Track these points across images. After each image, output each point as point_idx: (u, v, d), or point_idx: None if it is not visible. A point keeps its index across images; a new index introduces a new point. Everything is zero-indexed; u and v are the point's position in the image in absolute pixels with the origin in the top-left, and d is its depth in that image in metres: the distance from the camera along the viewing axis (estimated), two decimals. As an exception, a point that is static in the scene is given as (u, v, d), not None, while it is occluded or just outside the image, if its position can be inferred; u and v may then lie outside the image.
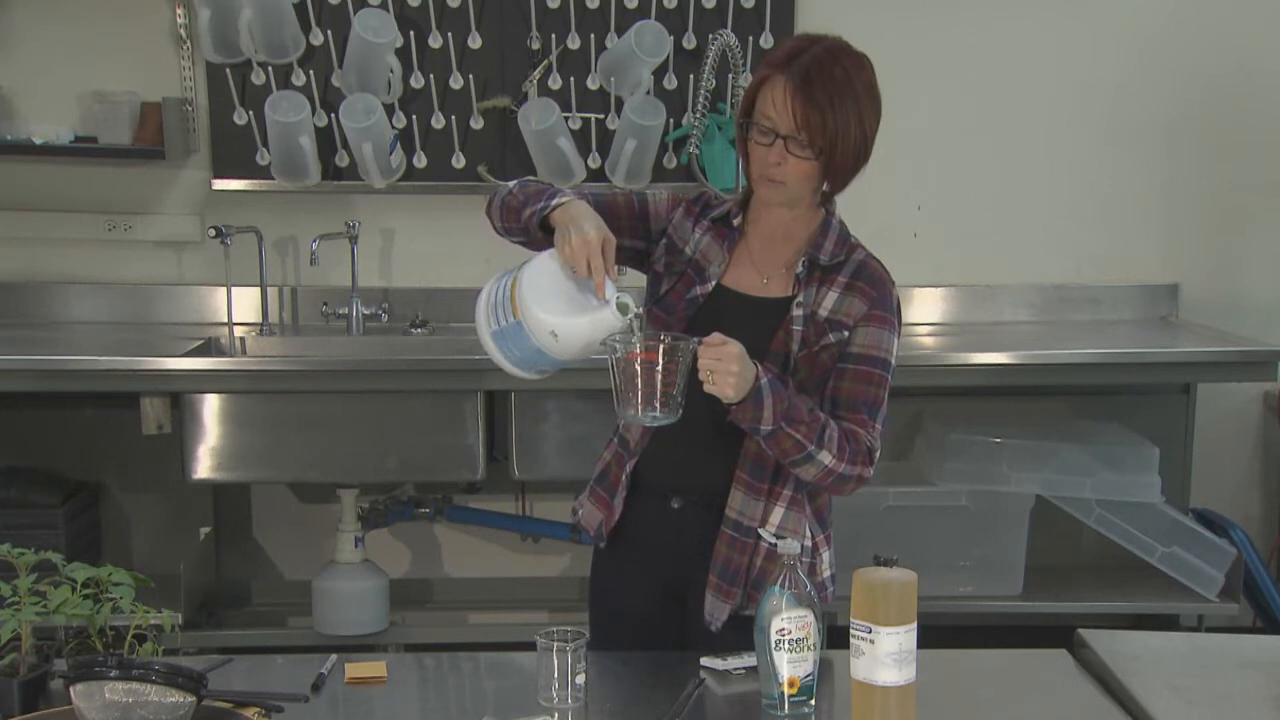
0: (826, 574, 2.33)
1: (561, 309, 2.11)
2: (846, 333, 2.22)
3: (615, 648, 2.32)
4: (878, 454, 2.22)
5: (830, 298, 2.23)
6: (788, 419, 2.11)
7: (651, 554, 2.34)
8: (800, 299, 2.23)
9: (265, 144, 4.05)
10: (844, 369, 2.23)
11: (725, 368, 2.04)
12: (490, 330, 2.16)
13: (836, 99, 2.13)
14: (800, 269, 2.24)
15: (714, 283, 2.28)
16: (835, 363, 2.23)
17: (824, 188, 2.24)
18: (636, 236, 2.33)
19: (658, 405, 2.05)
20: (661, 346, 2.04)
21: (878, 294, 2.24)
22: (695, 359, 2.05)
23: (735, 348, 2.06)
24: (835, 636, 2.10)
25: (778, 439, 2.12)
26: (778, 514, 2.26)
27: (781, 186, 2.19)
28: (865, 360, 2.22)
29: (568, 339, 2.10)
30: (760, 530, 2.22)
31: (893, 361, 2.25)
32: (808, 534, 2.28)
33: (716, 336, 2.07)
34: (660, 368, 2.03)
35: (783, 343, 2.22)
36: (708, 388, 2.06)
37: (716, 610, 2.26)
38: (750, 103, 2.19)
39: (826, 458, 2.15)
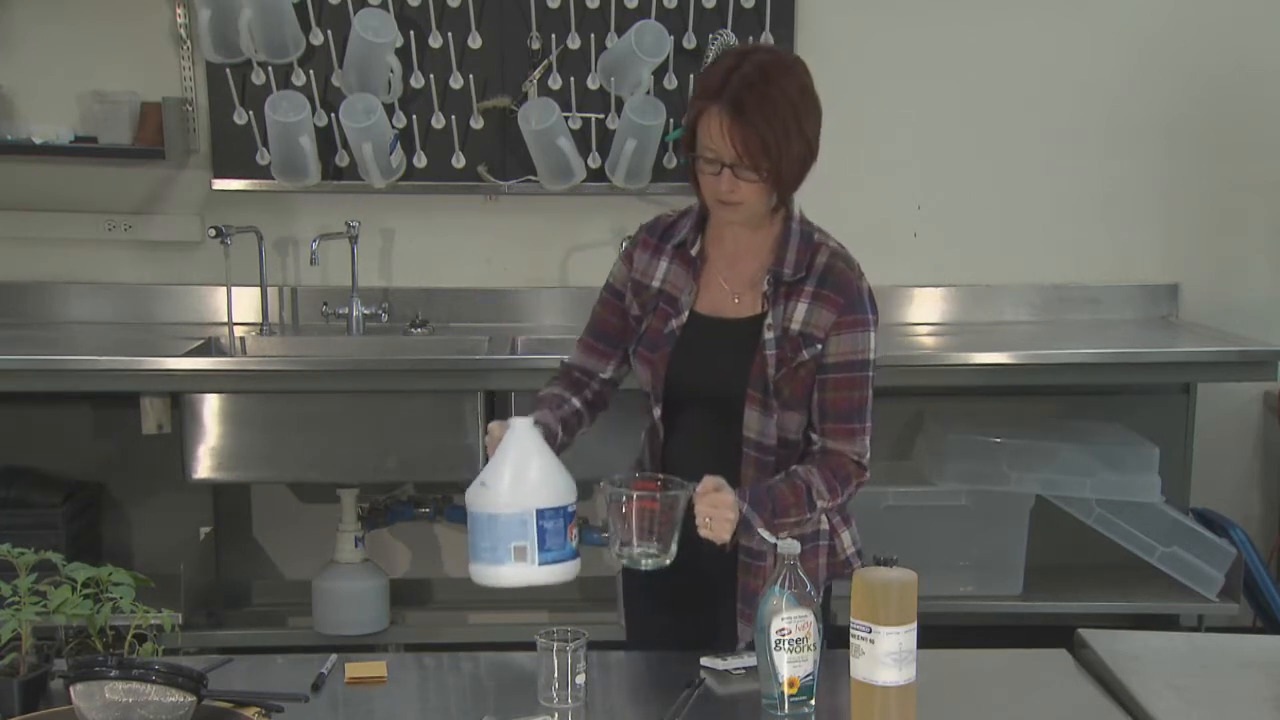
0: (850, 551, 2.38)
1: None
2: (819, 345, 2.25)
3: (649, 646, 2.36)
4: (868, 456, 2.27)
5: (800, 310, 2.25)
6: (776, 514, 2.17)
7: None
8: (770, 320, 2.25)
9: (265, 144, 4.05)
10: (825, 380, 2.26)
11: (722, 515, 2.09)
12: (471, 561, 2.10)
13: (773, 118, 2.13)
14: (766, 287, 2.26)
15: (687, 312, 2.31)
16: (815, 375, 2.26)
17: (771, 202, 2.25)
18: (631, 314, 2.37)
19: (654, 549, 2.08)
20: (658, 496, 2.06)
21: (844, 299, 2.25)
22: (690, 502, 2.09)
23: (729, 495, 2.10)
24: (835, 636, 2.10)
25: (777, 530, 2.16)
26: None
27: (738, 207, 2.21)
28: (843, 367, 2.25)
29: (493, 476, 2.07)
30: (761, 531, 2.22)
31: (872, 357, 2.27)
32: (824, 520, 2.32)
33: (709, 483, 2.10)
34: (656, 516, 2.05)
35: (760, 367, 2.25)
36: (704, 533, 2.10)
37: (747, 635, 2.31)
38: (691, 135, 2.20)
39: (823, 504, 2.22)
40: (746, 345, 2.26)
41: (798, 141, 2.15)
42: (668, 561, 2.08)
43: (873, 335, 2.27)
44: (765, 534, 2.16)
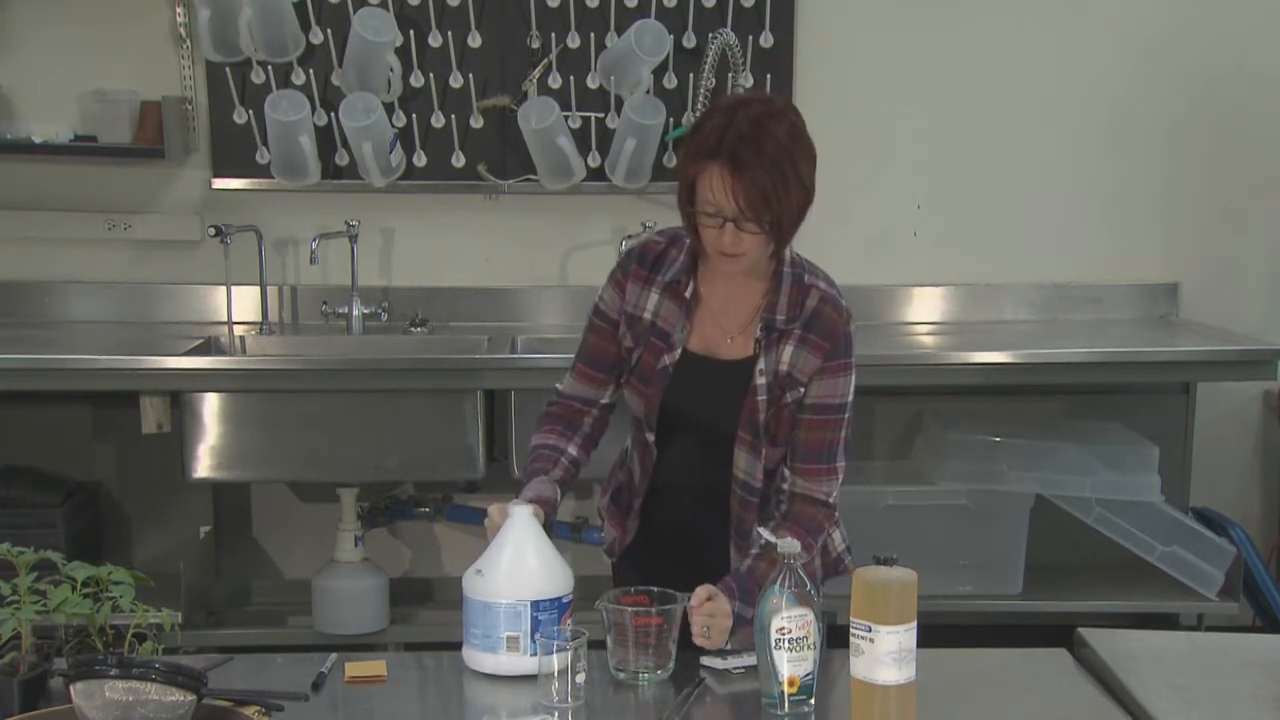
0: (841, 548, 2.42)
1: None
2: (802, 390, 2.28)
3: None
4: (835, 496, 2.31)
5: (788, 351, 2.28)
6: None
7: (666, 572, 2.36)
8: (761, 366, 2.28)
9: (265, 143, 4.05)
10: (801, 419, 2.29)
11: (720, 624, 2.12)
12: (465, 644, 2.14)
13: (774, 171, 2.13)
14: (759, 333, 2.28)
15: (680, 350, 2.32)
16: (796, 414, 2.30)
17: (772, 250, 2.26)
18: (624, 344, 2.38)
19: (653, 662, 2.09)
20: (654, 611, 2.07)
21: (831, 346, 2.28)
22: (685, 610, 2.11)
23: (724, 603, 2.13)
24: (835, 636, 2.10)
25: None
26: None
27: (741, 259, 2.22)
28: (820, 409, 2.29)
29: (490, 565, 2.12)
30: (760, 530, 2.24)
31: (850, 399, 2.31)
32: None
33: (702, 593, 2.12)
34: (653, 631, 2.07)
35: (751, 412, 2.28)
36: (701, 643, 2.12)
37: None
38: (690, 190, 2.20)
39: (801, 562, 2.21)
40: (739, 386, 2.29)
41: (796, 189, 2.16)
42: (665, 675, 2.09)
43: (853, 379, 2.31)
44: (765, 533, 2.18)
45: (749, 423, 2.28)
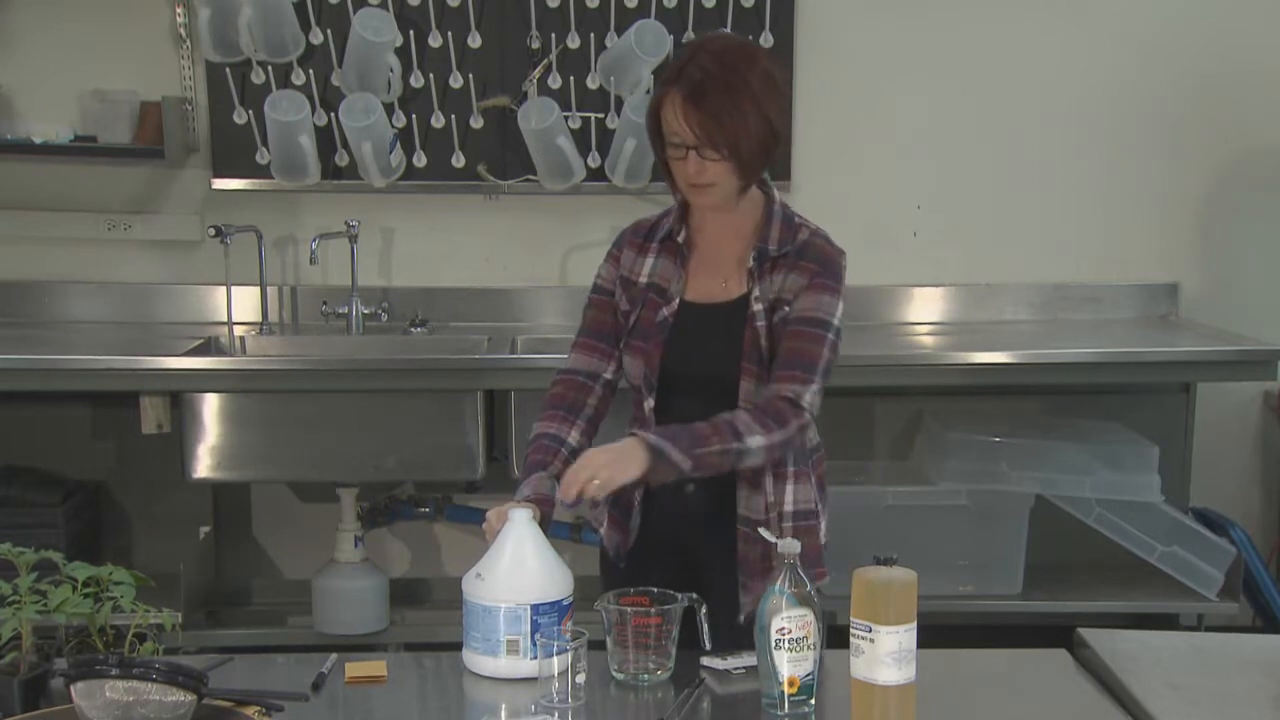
0: (825, 539, 2.42)
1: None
2: (788, 308, 2.29)
3: None
4: (806, 400, 2.25)
5: (779, 279, 2.30)
6: (695, 445, 2.17)
7: (669, 561, 2.36)
8: (757, 293, 2.30)
9: (265, 143, 4.05)
10: (784, 332, 2.29)
11: (589, 475, 2.12)
12: (464, 646, 2.14)
13: (729, 100, 2.18)
14: (751, 263, 2.30)
15: (678, 300, 2.34)
16: None
17: (740, 183, 2.28)
18: (621, 309, 2.40)
19: (653, 663, 2.08)
20: (654, 611, 2.07)
21: (820, 267, 2.30)
22: (685, 610, 2.10)
23: (584, 457, 2.15)
24: (835, 636, 2.10)
25: (703, 463, 2.18)
26: (788, 491, 2.33)
27: (711, 189, 2.26)
28: (801, 321, 2.29)
29: (490, 569, 2.12)
30: (761, 530, 2.24)
31: (834, 322, 2.29)
32: (814, 500, 2.37)
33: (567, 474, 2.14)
34: (653, 630, 2.07)
35: (752, 342, 2.29)
36: (597, 493, 2.12)
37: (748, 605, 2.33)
38: (657, 123, 2.26)
39: (756, 440, 2.20)
40: (737, 324, 2.30)
41: (756, 124, 2.20)
42: (665, 676, 2.09)
43: (840, 303, 2.30)
44: (685, 466, 2.16)
45: (752, 352, 2.29)
